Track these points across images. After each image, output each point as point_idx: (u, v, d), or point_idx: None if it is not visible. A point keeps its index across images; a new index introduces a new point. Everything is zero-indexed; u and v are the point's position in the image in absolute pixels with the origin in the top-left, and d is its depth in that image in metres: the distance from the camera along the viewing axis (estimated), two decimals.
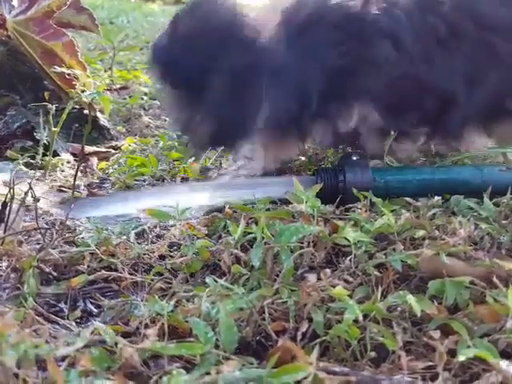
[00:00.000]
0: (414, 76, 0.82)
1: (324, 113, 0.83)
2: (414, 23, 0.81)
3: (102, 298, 0.62)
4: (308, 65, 0.80)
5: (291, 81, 0.80)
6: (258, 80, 0.77)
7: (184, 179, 1.00)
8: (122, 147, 1.23)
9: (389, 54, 0.80)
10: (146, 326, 0.53)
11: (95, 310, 0.62)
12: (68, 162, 1.10)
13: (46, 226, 0.76)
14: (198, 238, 0.72)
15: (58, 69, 1.07)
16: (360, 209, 0.73)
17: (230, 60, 0.78)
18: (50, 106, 0.97)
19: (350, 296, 0.54)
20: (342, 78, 0.81)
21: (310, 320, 0.52)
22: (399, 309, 0.54)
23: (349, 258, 0.62)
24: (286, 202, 0.77)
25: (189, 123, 0.86)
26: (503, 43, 0.83)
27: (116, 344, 0.48)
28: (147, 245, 0.74)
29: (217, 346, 0.48)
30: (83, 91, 0.94)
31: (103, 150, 1.21)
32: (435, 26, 0.81)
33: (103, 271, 0.66)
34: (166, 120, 1.48)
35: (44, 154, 1.05)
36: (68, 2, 1.15)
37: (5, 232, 0.70)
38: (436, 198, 0.76)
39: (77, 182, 0.92)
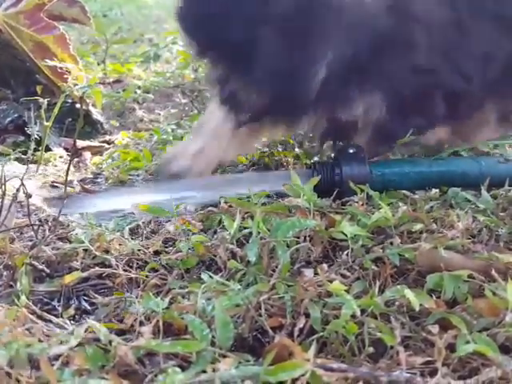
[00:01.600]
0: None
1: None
2: None
3: (96, 295, 0.61)
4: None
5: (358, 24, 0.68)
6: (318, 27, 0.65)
7: None
8: (116, 141, 1.22)
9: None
10: (141, 324, 0.52)
11: (89, 308, 0.61)
12: (61, 157, 1.09)
13: (38, 223, 0.75)
14: (193, 234, 0.71)
15: (50, 62, 1.05)
16: (357, 202, 0.72)
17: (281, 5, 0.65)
18: (42, 100, 0.96)
19: (348, 291, 0.54)
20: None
21: (307, 315, 0.52)
22: (397, 303, 0.54)
23: (346, 253, 0.62)
24: (282, 196, 0.76)
25: (235, 96, 0.75)
26: None
27: (110, 342, 0.48)
28: (142, 241, 0.73)
29: (213, 343, 0.47)
30: (75, 85, 0.93)
31: (96, 144, 1.20)
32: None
33: (97, 268, 0.65)
34: (160, 114, 1.47)
35: (36, 149, 1.03)
36: None
37: None
38: (433, 190, 0.76)
39: (70, 178, 0.91)
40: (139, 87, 1.67)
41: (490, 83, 0.82)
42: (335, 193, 0.75)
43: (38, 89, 1.12)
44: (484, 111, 0.87)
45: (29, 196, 0.73)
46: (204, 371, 0.43)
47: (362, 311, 0.50)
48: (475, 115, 0.87)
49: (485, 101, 0.86)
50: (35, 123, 1.04)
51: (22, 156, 1.04)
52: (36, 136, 1.02)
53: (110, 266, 0.66)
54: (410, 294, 0.51)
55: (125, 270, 0.65)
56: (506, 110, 0.90)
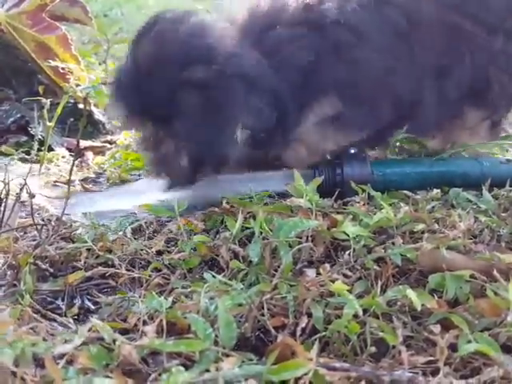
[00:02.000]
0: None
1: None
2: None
3: (100, 295, 0.62)
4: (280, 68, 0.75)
5: (268, 88, 0.74)
6: (231, 93, 0.71)
7: None
8: (118, 141, 1.22)
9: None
10: (144, 323, 0.53)
11: (93, 307, 0.61)
12: (63, 157, 1.10)
13: (41, 222, 0.75)
14: (195, 233, 0.72)
15: (52, 63, 1.06)
16: (358, 202, 0.72)
17: (197, 78, 0.71)
18: (44, 100, 0.96)
19: (350, 291, 0.54)
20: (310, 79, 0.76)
21: (310, 315, 0.52)
22: (399, 303, 0.54)
23: (348, 253, 0.62)
24: (284, 196, 0.76)
25: (165, 159, 0.79)
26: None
27: (114, 341, 0.48)
28: (144, 240, 0.73)
29: (216, 343, 0.47)
30: (77, 85, 0.93)
31: (98, 144, 1.20)
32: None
33: (100, 267, 0.65)
34: None
35: (39, 149, 1.04)
36: None
37: (0, 228, 0.69)
38: (435, 190, 0.76)
39: (72, 177, 0.91)
40: None
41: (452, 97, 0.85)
42: (337, 193, 0.75)
43: (40, 89, 1.12)
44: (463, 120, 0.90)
45: (32, 196, 0.73)
46: (207, 370, 0.44)
47: (364, 311, 0.51)
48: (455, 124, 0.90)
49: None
50: (38, 123, 1.04)
51: (25, 156, 1.05)
52: (39, 136, 1.03)
53: (113, 266, 0.66)
54: (411, 293, 0.51)
55: (128, 270, 0.66)
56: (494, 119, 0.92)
